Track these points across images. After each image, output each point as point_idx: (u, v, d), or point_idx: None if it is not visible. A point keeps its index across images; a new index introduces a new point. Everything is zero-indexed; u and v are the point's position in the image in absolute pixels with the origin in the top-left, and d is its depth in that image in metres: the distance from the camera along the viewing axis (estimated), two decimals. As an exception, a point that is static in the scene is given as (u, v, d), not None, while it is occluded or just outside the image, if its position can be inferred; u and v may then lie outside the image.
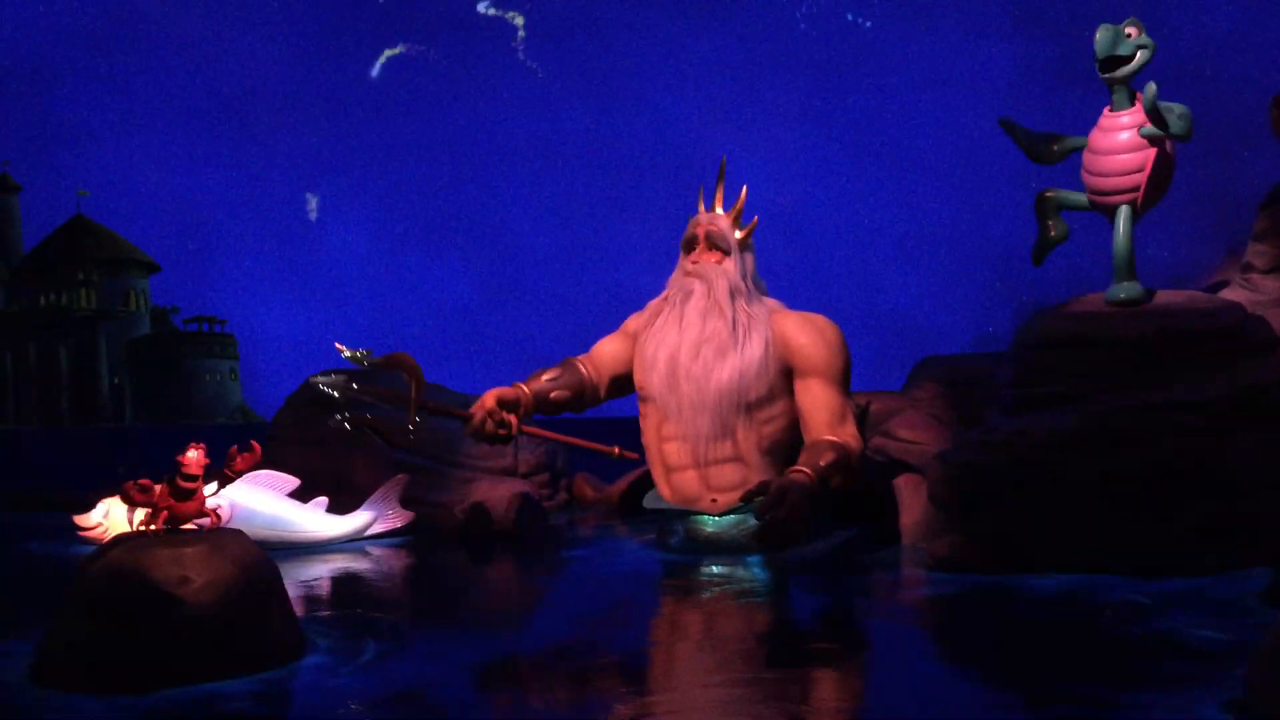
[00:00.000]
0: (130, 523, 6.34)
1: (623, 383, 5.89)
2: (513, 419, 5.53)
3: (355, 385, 5.68)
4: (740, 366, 5.40)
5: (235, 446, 3.87)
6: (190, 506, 3.50)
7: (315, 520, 6.05)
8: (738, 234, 5.70)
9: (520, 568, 5.80)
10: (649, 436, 5.65)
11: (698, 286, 5.57)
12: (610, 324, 6.03)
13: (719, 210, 5.79)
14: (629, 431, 6.20)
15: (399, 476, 6.30)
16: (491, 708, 3.34)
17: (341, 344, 5.33)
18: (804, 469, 5.14)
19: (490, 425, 5.48)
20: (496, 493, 6.27)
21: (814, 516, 5.20)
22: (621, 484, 7.32)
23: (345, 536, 6.12)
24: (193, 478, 3.48)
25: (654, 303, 5.79)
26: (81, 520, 6.12)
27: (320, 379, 5.94)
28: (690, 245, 5.72)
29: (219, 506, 6.02)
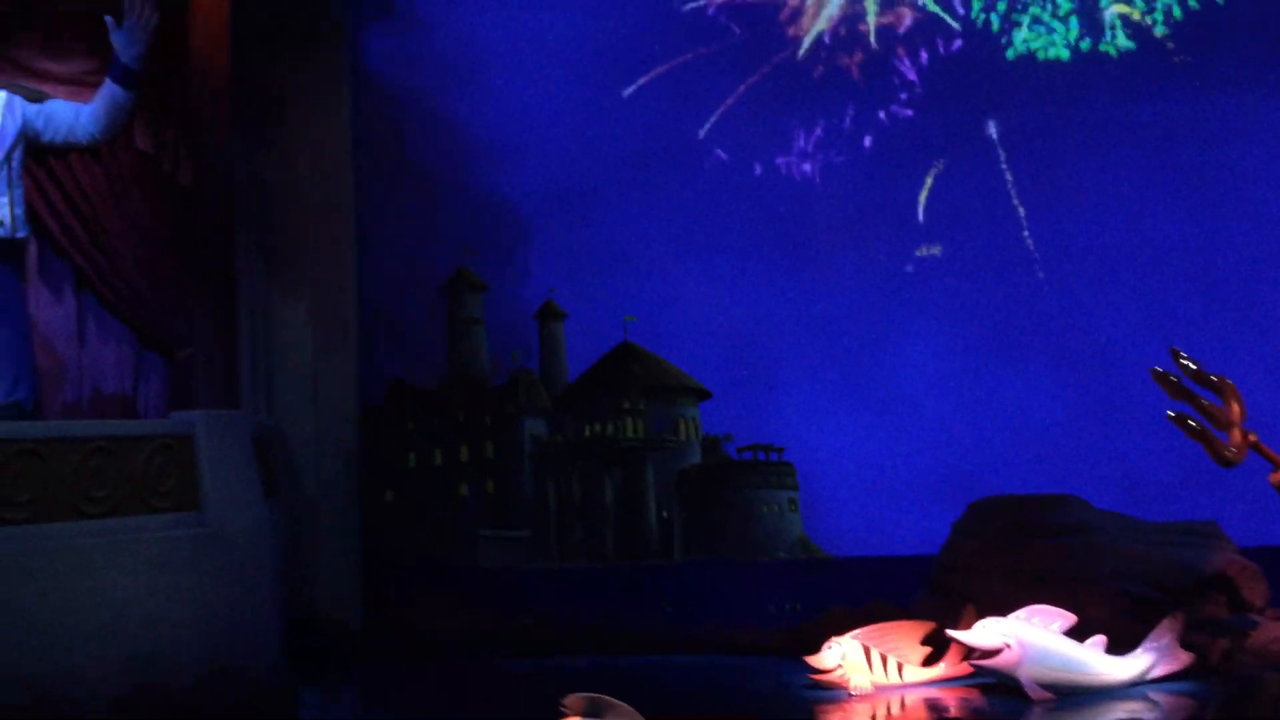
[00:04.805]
0: (869, 664, 6.40)
1: None
2: None
3: (1189, 385, 5.47)
4: None
5: None
6: None
7: (1103, 662, 5.79)
8: None
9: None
10: None
11: None
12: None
13: None
14: None
15: (1175, 615, 5.96)
16: None
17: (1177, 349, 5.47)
18: None
19: None
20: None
21: None
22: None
23: (1131, 680, 5.80)
24: None
25: None
26: (816, 662, 6.07)
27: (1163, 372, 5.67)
28: None
29: (1005, 645, 5.97)
